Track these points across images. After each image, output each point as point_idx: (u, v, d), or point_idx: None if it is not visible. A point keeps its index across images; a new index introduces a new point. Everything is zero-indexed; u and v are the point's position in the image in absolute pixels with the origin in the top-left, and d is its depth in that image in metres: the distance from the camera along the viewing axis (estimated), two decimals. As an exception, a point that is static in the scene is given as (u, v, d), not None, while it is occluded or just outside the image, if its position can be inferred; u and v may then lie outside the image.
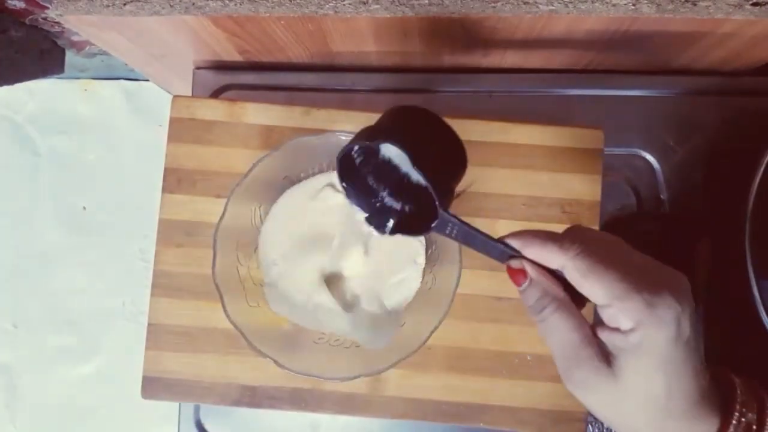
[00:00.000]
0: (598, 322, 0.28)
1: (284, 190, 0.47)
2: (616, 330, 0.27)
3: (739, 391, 0.28)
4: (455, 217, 0.31)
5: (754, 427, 0.27)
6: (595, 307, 0.28)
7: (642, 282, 0.26)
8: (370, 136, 0.32)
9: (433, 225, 0.32)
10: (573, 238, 0.28)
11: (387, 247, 0.46)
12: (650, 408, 0.27)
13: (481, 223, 0.48)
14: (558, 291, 0.29)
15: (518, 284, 0.30)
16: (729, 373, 0.29)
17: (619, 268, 0.26)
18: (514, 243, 0.30)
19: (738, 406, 0.27)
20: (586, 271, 0.27)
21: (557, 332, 0.28)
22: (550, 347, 0.29)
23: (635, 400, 0.27)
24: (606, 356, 0.27)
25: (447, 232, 0.32)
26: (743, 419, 0.27)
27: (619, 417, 0.28)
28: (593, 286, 0.27)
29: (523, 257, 0.30)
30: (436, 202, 0.31)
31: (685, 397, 0.27)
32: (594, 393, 0.27)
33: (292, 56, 0.54)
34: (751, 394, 0.28)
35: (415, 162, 0.30)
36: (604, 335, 0.27)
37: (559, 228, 0.30)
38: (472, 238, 0.31)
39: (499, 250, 0.31)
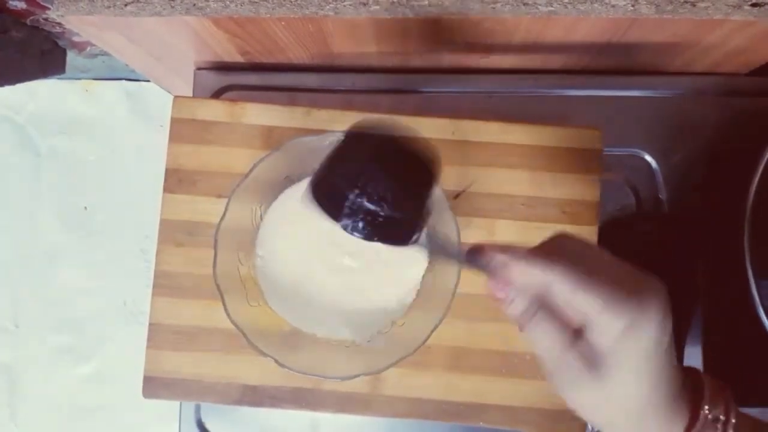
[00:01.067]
0: (584, 328, 0.29)
1: (285, 190, 0.47)
2: (604, 334, 0.28)
3: (706, 391, 0.29)
4: (426, 248, 0.32)
5: (722, 417, 0.29)
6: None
7: (630, 288, 0.28)
8: (319, 191, 0.32)
9: (410, 242, 0.32)
10: (555, 255, 0.29)
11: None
12: (631, 407, 0.29)
13: (480, 223, 0.48)
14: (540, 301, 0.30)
15: (501, 297, 0.31)
16: (698, 373, 0.31)
17: (606, 277, 0.28)
18: (498, 260, 0.30)
19: (705, 404, 0.29)
20: (575, 285, 0.28)
21: (543, 340, 0.29)
22: (537, 352, 0.30)
23: (617, 401, 0.28)
24: (589, 360, 0.28)
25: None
26: (710, 416, 0.29)
27: (600, 417, 0.30)
28: (586, 296, 0.28)
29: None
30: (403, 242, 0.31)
31: (662, 397, 0.28)
32: (578, 396, 0.29)
33: (293, 57, 0.55)
34: (719, 394, 0.30)
35: (367, 237, 0.31)
36: (593, 336, 0.28)
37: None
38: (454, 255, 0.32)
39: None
